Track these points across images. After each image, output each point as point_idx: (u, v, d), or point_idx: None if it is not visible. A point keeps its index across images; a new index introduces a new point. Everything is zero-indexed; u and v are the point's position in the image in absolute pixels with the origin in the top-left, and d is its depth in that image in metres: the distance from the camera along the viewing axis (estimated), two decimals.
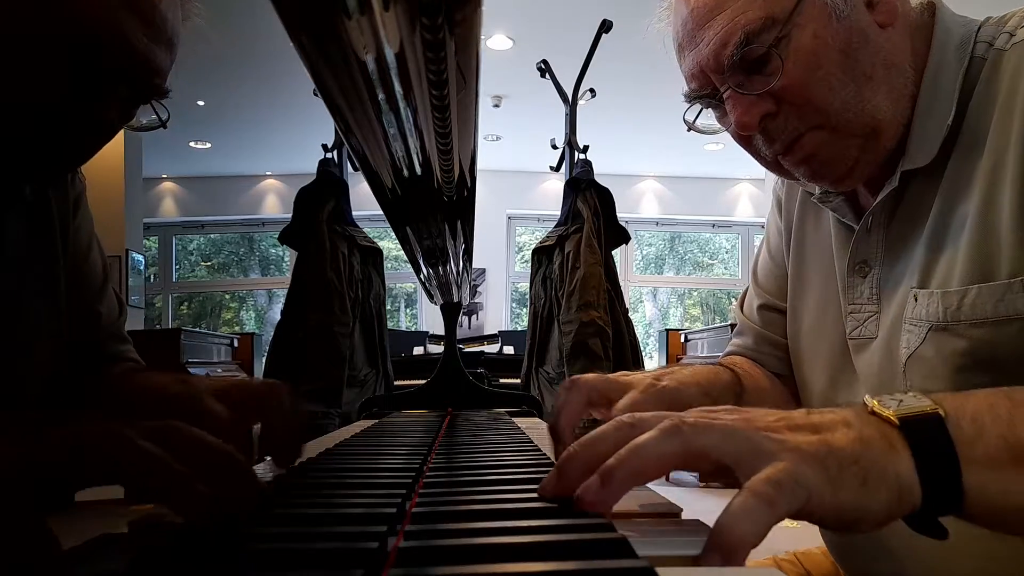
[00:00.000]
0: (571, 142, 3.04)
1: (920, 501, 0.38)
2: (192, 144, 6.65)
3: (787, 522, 0.36)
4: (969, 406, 0.41)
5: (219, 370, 4.33)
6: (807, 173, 0.69)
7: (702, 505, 0.39)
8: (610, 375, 0.67)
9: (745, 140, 0.70)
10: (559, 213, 2.93)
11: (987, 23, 0.66)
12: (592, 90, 3.21)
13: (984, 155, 0.61)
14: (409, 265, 1.08)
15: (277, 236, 2.75)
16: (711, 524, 0.41)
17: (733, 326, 0.95)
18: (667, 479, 3.69)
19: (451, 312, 1.40)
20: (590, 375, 0.66)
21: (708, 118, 0.73)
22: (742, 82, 0.65)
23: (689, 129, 0.75)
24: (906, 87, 0.66)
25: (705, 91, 0.69)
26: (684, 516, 0.43)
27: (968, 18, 0.68)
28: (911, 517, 0.39)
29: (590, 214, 2.74)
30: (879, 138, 0.66)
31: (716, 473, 0.38)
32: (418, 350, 4.74)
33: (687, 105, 0.73)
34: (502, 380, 3.55)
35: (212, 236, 8.07)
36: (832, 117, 0.64)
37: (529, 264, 3.04)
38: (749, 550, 0.33)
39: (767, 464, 0.36)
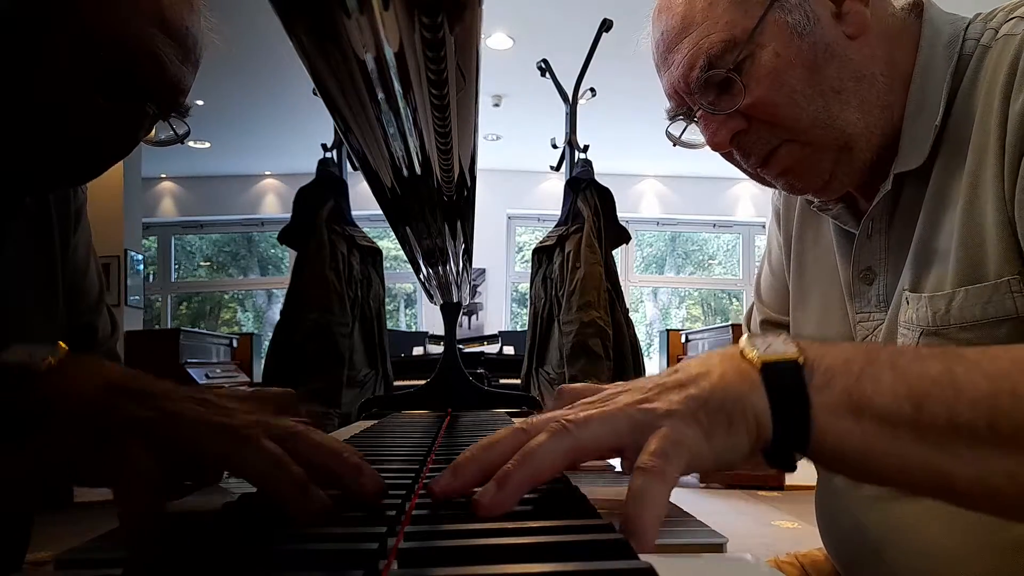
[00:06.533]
0: (571, 142, 3.03)
1: (771, 437, 0.41)
2: (191, 144, 6.64)
3: (787, 523, 0.37)
4: (828, 358, 0.43)
5: (218, 370, 4.33)
6: (785, 185, 0.70)
7: (702, 506, 0.38)
8: (598, 384, 0.66)
9: (726, 154, 0.71)
10: (559, 213, 2.92)
11: (976, 20, 0.65)
12: (592, 89, 3.20)
13: (968, 155, 0.60)
14: (409, 265, 1.08)
15: (276, 236, 2.74)
16: (711, 525, 0.41)
17: (733, 326, 0.95)
18: None
19: (451, 312, 1.40)
20: (577, 384, 0.66)
21: (694, 132, 0.74)
22: (713, 102, 0.66)
23: (675, 144, 0.76)
24: (879, 97, 0.65)
25: (682, 110, 0.71)
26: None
27: (957, 15, 0.67)
28: (766, 452, 0.42)
29: (590, 214, 2.73)
30: (852, 151, 0.65)
31: (633, 459, 0.39)
32: (418, 350, 4.73)
33: (669, 121, 0.74)
34: (502, 380, 3.54)
35: (211, 236, 8.06)
36: (802, 133, 0.65)
37: (529, 264, 3.04)
38: (658, 526, 0.35)
39: (648, 435, 0.39)
